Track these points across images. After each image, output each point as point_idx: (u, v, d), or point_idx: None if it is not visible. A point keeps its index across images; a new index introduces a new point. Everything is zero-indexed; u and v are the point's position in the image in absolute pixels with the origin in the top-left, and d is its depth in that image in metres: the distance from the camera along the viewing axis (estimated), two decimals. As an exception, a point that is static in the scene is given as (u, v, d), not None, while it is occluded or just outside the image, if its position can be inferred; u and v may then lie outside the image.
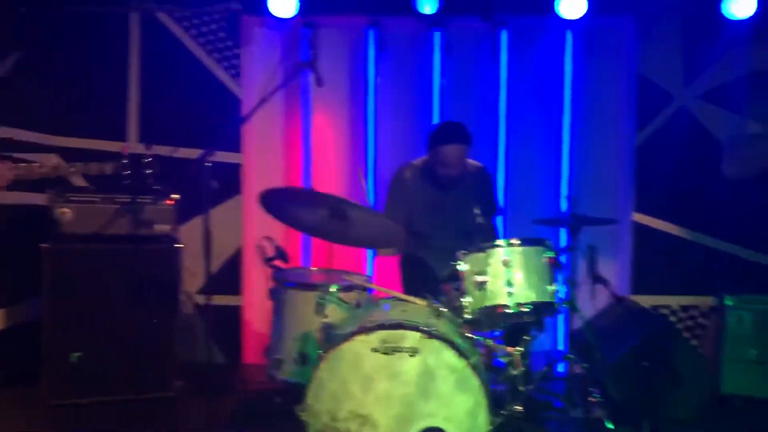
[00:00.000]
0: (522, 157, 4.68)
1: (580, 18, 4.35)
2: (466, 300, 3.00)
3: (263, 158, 4.70)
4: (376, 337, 2.70)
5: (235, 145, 4.57)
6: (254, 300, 4.62)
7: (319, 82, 3.53)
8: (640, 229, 4.61)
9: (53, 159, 4.25)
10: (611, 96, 4.68)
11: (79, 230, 3.75)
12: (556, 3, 4.34)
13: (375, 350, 2.69)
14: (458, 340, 2.81)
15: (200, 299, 4.50)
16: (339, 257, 4.59)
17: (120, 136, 4.53)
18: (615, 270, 4.65)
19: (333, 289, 3.24)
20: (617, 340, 3.75)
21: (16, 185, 3.24)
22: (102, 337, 3.72)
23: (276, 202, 3.24)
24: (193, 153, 3.66)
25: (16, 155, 3.73)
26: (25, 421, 3.55)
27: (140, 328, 3.77)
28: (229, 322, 4.60)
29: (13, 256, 3.96)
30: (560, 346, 4.58)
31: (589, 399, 3.40)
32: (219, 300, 4.47)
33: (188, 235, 4.03)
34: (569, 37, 4.57)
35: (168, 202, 3.90)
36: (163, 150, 3.98)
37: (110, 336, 3.73)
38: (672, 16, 4.53)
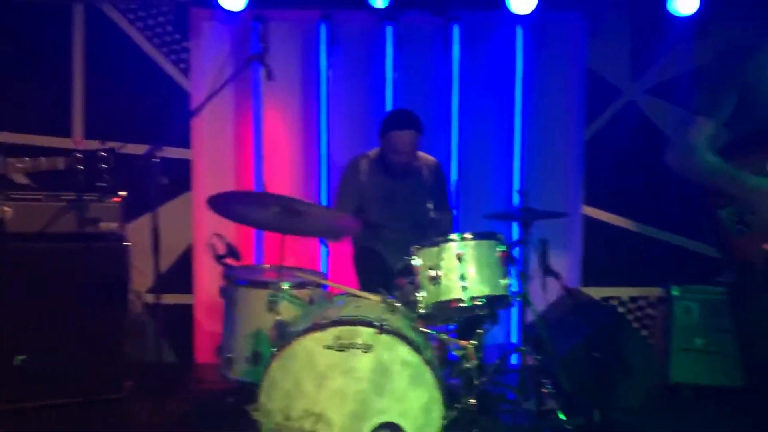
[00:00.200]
0: (474, 152, 4.70)
1: (531, 13, 4.38)
2: (421, 295, 3.00)
3: (213, 154, 4.63)
4: (329, 334, 2.68)
5: (184, 141, 4.48)
6: (206, 298, 4.55)
7: (270, 76, 3.48)
8: (589, 222, 4.69)
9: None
10: (561, 91, 4.74)
11: (22, 229, 3.62)
12: (506, -2, 4.37)
13: (328, 347, 2.67)
14: (412, 335, 2.81)
15: (150, 298, 4.41)
16: (293, 254, 4.55)
17: (64, 131, 4.41)
18: (566, 263, 4.71)
19: (285, 286, 3.21)
20: (568, 332, 3.81)
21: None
22: (47, 339, 3.61)
23: (225, 204, 3.19)
24: (140, 149, 3.57)
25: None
26: (-34, 427, 3.44)
27: (87, 328, 3.66)
28: (181, 321, 4.52)
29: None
30: (514, 339, 4.63)
31: (542, 390, 3.44)
32: (170, 299, 4.39)
33: (137, 233, 3.94)
34: (520, 32, 4.60)
35: (115, 199, 3.80)
36: (110, 146, 3.86)
37: (56, 337, 3.63)
38: (620, 12, 4.61)
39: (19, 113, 4.32)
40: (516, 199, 4.41)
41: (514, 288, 3.26)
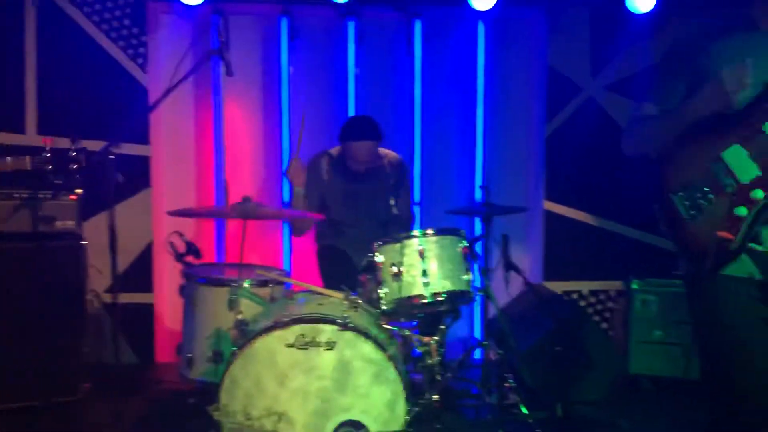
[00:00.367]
0: (437, 147, 4.71)
1: (492, 9, 4.39)
2: (383, 291, 2.99)
3: (173, 150, 4.56)
4: (291, 333, 2.65)
5: (143, 137, 4.40)
6: (166, 297, 4.48)
7: (229, 71, 3.43)
8: (550, 217, 4.73)
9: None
10: (523, 87, 4.77)
11: (-26, 229, 3.53)
12: (467, -7, 4.38)
13: (290, 345, 2.65)
14: (375, 332, 2.80)
15: (108, 297, 4.32)
16: (255, 252, 4.50)
17: (17, 127, 4.29)
18: (527, 257, 4.75)
19: (246, 284, 3.17)
20: (530, 327, 3.84)
21: None
22: (2, 341, 3.51)
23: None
24: (98, 145, 3.50)
25: None
26: None
27: (43, 330, 3.57)
28: (141, 320, 4.45)
29: None
30: (476, 334, 4.66)
31: (505, 385, 3.46)
32: (129, 298, 4.32)
33: (95, 232, 3.86)
34: (482, 28, 4.62)
35: (71, 197, 3.71)
36: (65, 142, 3.78)
37: (11, 339, 3.52)
38: (580, 9, 4.66)
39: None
40: (478, 194, 4.43)
41: (477, 283, 3.27)
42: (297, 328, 2.66)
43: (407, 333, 3.06)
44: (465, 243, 3.12)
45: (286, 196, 4.49)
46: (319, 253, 3.96)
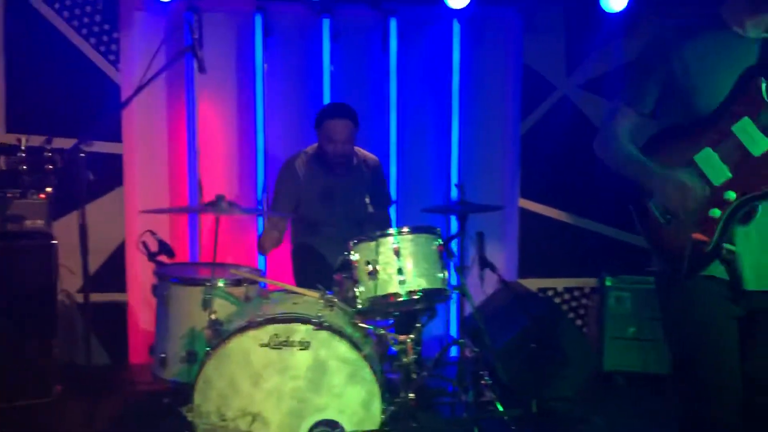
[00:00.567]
0: (412, 146, 4.71)
1: (466, 7, 4.40)
2: (358, 290, 2.98)
3: (146, 148, 4.50)
4: (265, 332, 2.63)
5: (115, 135, 4.34)
6: (140, 297, 4.43)
7: (202, 68, 3.39)
8: (525, 215, 4.75)
9: None
10: (498, 85, 4.79)
11: (-60, 228, 3.46)
12: (443, -8, 4.38)
13: (264, 345, 2.63)
14: (351, 331, 2.79)
15: (80, 297, 4.25)
16: (229, 251, 4.47)
17: (-15, 125, 4.22)
18: (503, 255, 4.77)
19: (220, 283, 3.14)
20: (506, 324, 3.85)
21: None
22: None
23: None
24: (69, 143, 3.44)
25: None
26: None
27: (14, 331, 3.53)
28: (114, 320, 4.39)
29: None
30: (452, 332, 4.66)
31: (480, 382, 3.47)
32: (102, 298, 4.25)
33: (66, 231, 3.80)
34: (457, 26, 4.62)
35: (41, 195, 3.65)
36: (35, 140, 3.72)
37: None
38: (555, 8, 4.68)
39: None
40: (454, 192, 4.43)
41: (452, 281, 3.27)
42: (271, 328, 2.64)
43: (383, 331, 3.05)
44: (440, 241, 3.12)
45: (259, 194, 4.46)
46: (294, 252, 3.94)
